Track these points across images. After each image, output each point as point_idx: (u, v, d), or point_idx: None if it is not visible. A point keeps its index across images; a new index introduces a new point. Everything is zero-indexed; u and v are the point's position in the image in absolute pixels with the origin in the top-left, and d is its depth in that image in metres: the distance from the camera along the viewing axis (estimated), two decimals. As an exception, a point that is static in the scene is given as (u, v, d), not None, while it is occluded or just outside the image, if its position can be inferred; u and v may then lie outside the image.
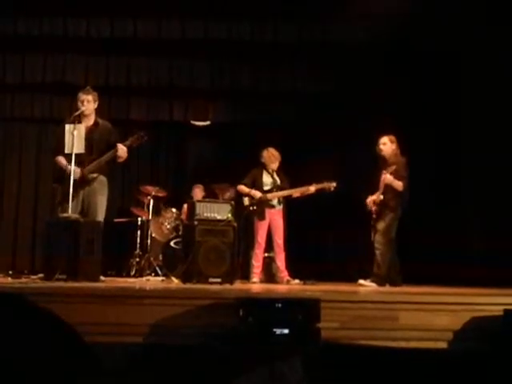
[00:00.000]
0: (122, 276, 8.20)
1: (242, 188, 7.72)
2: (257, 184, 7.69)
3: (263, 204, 7.61)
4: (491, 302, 4.76)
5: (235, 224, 6.90)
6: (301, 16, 8.76)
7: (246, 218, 7.71)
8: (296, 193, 7.70)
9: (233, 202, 7.19)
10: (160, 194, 8.86)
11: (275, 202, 7.66)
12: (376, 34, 8.26)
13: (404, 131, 7.25)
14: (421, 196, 7.59)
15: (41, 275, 6.04)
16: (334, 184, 7.58)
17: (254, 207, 7.60)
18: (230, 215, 6.89)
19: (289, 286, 7.29)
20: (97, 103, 6.55)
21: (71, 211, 6.06)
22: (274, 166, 7.73)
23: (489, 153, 7.87)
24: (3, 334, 2.92)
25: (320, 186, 7.61)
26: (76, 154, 6.14)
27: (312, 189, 7.63)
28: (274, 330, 4.09)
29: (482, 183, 7.92)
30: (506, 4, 7.41)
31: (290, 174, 7.86)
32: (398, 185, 6.94)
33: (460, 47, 8.01)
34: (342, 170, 7.84)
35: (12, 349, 2.89)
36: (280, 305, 4.18)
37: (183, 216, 8.37)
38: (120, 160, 6.46)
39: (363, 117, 8.57)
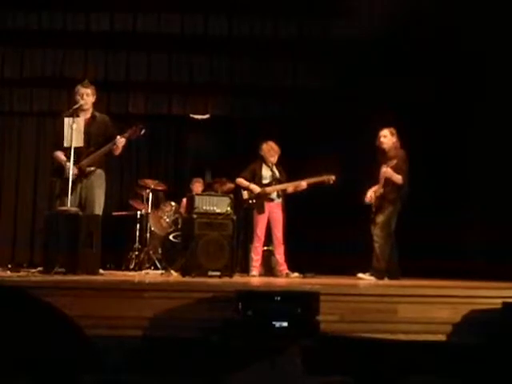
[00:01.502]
0: (121, 269, 8.19)
1: (241, 181, 7.70)
2: (256, 177, 7.67)
3: (262, 197, 7.59)
4: (490, 294, 4.79)
5: (234, 217, 6.90)
6: (301, 12, 8.75)
7: (246, 211, 7.72)
8: (289, 187, 7.69)
9: (232, 196, 7.20)
10: (159, 188, 8.86)
11: (274, 195, 7.64)
12: (376, 32, 8.25)
13: (404, 125, 7.24)
14: (420, 190, 7.59)
15: (40, 268, 6.06)
16: (333, 177, 7.56)
17: (253, 200, 7.59)
18: (229, 208, 6.89)
19: (288, 279, 7.29)
20: (95, 97, 6.54)
21: (70, 205, 6.07)
22: (273, 159, 7.71)
23: (489, 147, 7.87)
24: (4, 327, 2.92)
25: (318, 179, 7.58)
26: (74, 148, 6.15)
27: (303, 184, 7.61)
28: (273, 322, 4.10)
29: (482, 177, 7.93)
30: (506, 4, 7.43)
31: (289, 169, 7.84)
32: (398, 178, 6.93)
33: (461, 46, 8.01)
34: (342, 164, 7.81)
35: (12, 342, 2.90)
36: (279, 298, 4.19)
37: (182, 209, 8.37)
38: (116, 152, 6.45)
39: (363, 113, 8.55)
